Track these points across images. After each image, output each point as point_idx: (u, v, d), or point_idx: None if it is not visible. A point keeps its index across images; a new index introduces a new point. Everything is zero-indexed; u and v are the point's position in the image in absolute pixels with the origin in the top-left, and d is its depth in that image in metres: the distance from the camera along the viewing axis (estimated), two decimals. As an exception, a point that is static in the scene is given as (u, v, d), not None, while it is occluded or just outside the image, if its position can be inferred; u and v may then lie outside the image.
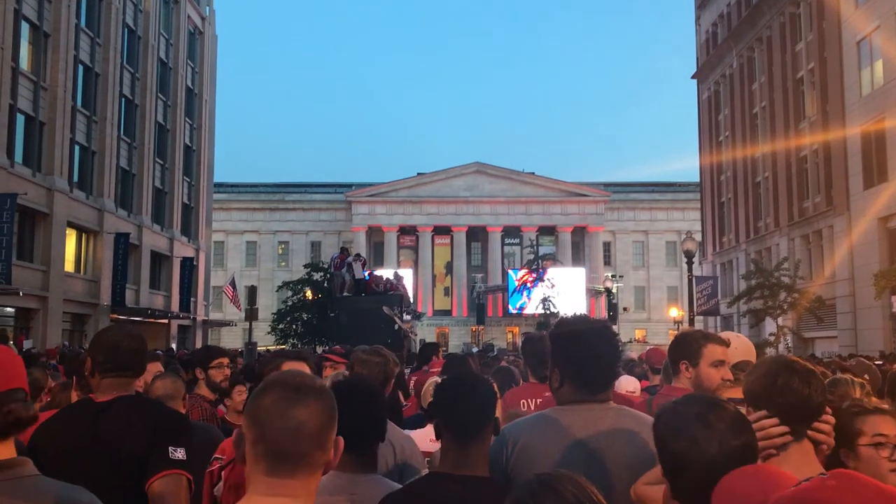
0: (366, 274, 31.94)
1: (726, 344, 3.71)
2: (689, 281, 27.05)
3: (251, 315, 26.05)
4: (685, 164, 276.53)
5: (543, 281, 51.50)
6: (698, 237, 56.23)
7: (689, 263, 25.53)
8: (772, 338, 30.93)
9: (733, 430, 2.06)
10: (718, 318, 45.96)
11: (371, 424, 2.95)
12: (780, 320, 31.68)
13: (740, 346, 4.13)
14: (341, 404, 2.91)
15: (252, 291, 26.79)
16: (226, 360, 5.49)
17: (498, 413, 4.20)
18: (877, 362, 10.98)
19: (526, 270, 66.81)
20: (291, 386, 1.85)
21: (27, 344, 25.74)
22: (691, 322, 27.53)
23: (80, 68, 37.52)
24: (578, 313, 4.44)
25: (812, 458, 2.40)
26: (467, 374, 3.03)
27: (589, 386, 2.87)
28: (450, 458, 2.73)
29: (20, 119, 32.42)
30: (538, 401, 5.18)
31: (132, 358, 3.37)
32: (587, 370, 2.88)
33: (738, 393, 4.10)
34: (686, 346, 3.73)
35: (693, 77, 58.02)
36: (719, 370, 3.58)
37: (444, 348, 74.39)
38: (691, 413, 2.10)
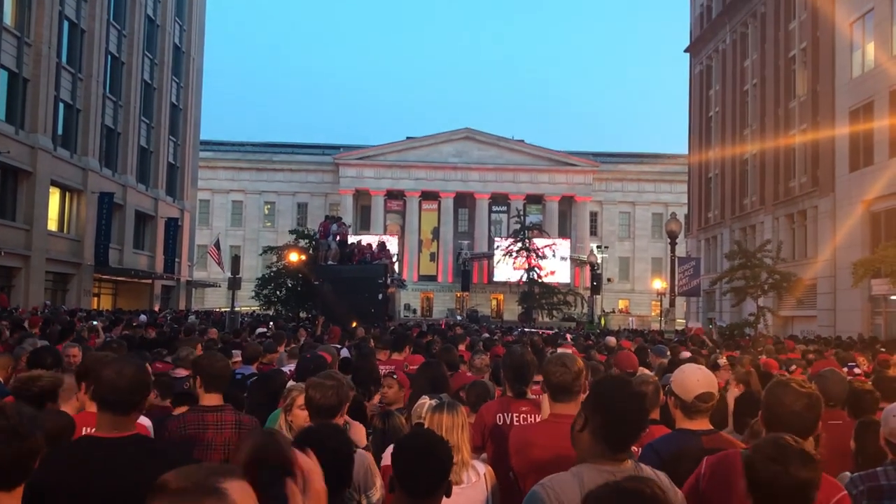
0: (338, 240, 32.19)
1: None
2: (672, 262, 27.19)
3: (234, 284, 25.98)
4: (674, 138, 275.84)
5: (529, 252, 51.65)
6: (684, 210, 56.46)
7: (673, 244, 25.64)
8: (751, 318, 31.27)
9: None
10: (701, 297, 46.28)
11: (337, 477, 3.03)
12: (760, 301, 32.01)
13: (702, 378, 4.15)
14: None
15: (235, 261, 26.62)
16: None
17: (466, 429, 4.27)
18: (852, 368, 10.76)
19: (512, 240, 67.15)
20: (176, 492, 1.50)
21: None
22: (672, 303, 27.78)
23: (66, 24, 36.90)
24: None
25: None
26: (426, 436, 3.11)
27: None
28: None
29: (3, 75, 32.01)
30: (514, 416, 5.20)
31: None
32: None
33: (702, 423, 4.17)
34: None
35: (686, 51, 57.67)
36: None
37: (429, 313, 74.39)
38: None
